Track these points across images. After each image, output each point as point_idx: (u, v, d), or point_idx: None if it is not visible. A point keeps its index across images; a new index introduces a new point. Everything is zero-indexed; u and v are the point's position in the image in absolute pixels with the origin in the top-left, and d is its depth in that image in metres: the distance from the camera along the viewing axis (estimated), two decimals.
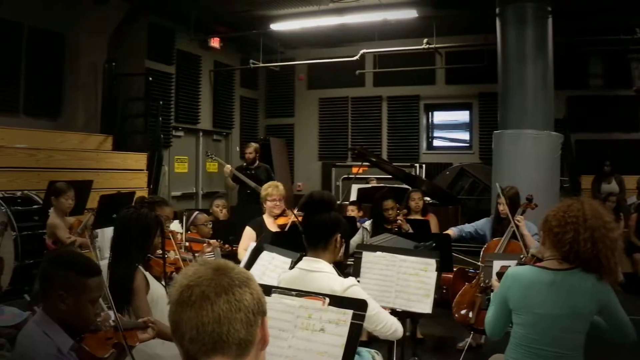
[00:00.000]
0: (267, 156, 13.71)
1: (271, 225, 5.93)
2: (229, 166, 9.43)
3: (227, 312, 1.53)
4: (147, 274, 3.73)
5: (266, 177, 9.29)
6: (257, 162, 9.46)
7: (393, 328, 3.22)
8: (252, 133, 14.76)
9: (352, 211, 8.33)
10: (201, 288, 1.54)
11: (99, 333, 2.86)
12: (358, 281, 4.09)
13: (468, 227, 6.30)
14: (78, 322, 2.71)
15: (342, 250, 3.42)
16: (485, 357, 3.39)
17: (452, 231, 6.25)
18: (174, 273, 4.35)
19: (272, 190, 6.03)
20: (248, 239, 5.79)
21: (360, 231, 6.69)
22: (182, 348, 1.57)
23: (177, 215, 6.63)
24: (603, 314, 2.98)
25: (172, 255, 4.63)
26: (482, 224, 6.30)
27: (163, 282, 3.90)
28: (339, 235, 3.29)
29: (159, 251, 3.96)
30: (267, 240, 5.12)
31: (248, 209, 8.31)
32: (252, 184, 9.00)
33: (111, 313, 3.02)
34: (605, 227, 2.94)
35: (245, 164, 9.56)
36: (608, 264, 2.91)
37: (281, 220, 5.97)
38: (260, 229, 5.87)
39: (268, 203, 6.01)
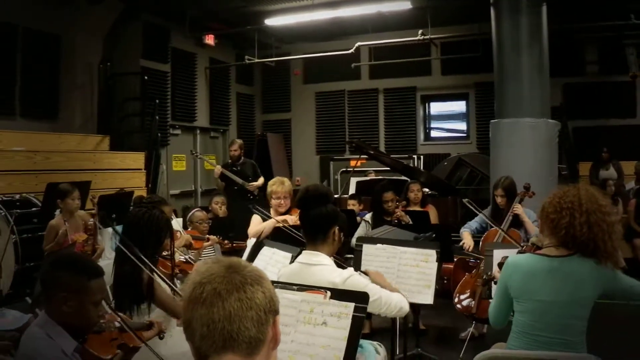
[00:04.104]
0: (264, 152, 13.74)
1: None
2: (219, 167, 9.48)
3: (238, 309, 1.53)
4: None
5: (252, 173, 9.35)
6: (242, 158, 9.49)
7: (398, 307, 3.23)
8: (249, 129, 14.76)
9: (352, 205, 8.33)
10: (213, 285, 1.55)
11: (103, 334, 2.86)
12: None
13: (474, 224, 6.22)
14: (81, 324, 2.70)
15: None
16: (487, 347, 3.40)
17: (467, 232, 6.14)
18: (180, 274, 4.37)
19: (276, 187, 5.77)
20: (258, 223, 5.69)
21: (362, 225, 6.67)
22: (193, 345, 1.57)
23: (177, 213, 6.64)
24: (612, 294, 2.98)
25: (177, 256, 4.64)
26: (482, 218, 6.26)
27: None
28: (337, 227, 3.29)
29: (165, 252, 3.97)
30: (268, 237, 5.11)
31: (243, 205, 8.35)
32: (240, 180, 9.11)
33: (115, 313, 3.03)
34: (601, 210, 2.95)
35: (230, 161, 9.59)
36: (605, 247, 2.92)
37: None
38: (267, 218, 5.72)
39: (273, 201, 5.79)
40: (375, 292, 3.13)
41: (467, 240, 5.83)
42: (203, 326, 1.53)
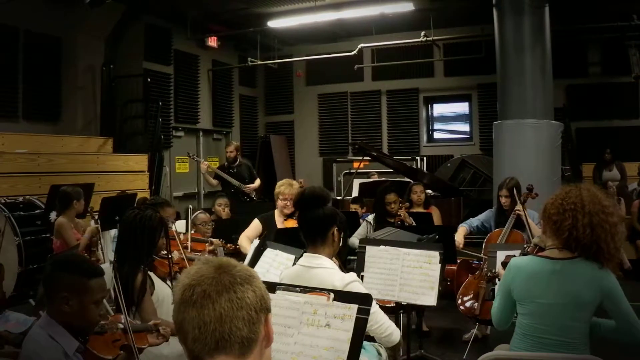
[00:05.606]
0: (267, 153, 13.75)
1: (280, 224, 5.79)
2: (205, 162, 9.51)
3: (228, 310, 1.52)
4: (152, 274, 3.74)
5: (249, 175, 9.35)
6: (239, 160, 9.50)
7: (388, 331, 3.19)
8: (252, 131, 14.77)
9: (355, 209, 8.31)
10: (203, 287, 1.54)
11: (105, 335, 2.86)
12: (362, 276, 4.10)
13: (475, 222, 6.23)
14: (82, 324, 2.70)
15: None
16: (491, 348, 3.39)
17: (463, 228, 6.18)
18: (178, 273, 4.36)
19: (284, 188, 5.75)
20: (253, 229, 5.73)
21: (364, 224, 6.65)
22: (187, 347, 1.56)
23: (180, 215, 6.64)
24: (607, 303, 2.96)
25: (176, 255, 4.63)
26: (486, 216, 6.27)
27: (168, 283, 3.91)
28: (336, 228, 3.28)
29: (163, 252, 3.96)
30: (271, 238, 5.09)
31: (239, 207, 8.38)
32: (236, 182, 9.09)
33: (121, 316, 3.02)
34: (604, 211, 2.94)
35: (226, 162, 9.59)
36: (608, 248, 2.90)
37: (289, 223, 5.73)
38: (269, 224, 5.74)
39: (279, 202, 5.78)
40: (372, 305, 3.09)
41: (457, 237, 5.82)
42: (195, 328, 1.52)
